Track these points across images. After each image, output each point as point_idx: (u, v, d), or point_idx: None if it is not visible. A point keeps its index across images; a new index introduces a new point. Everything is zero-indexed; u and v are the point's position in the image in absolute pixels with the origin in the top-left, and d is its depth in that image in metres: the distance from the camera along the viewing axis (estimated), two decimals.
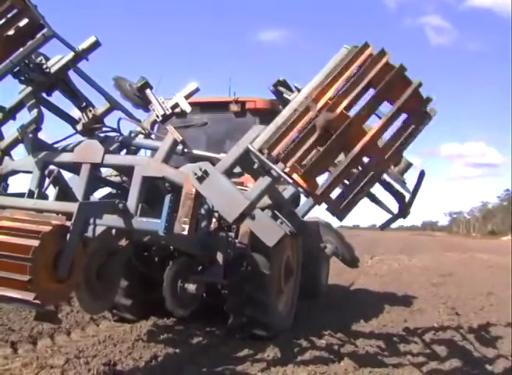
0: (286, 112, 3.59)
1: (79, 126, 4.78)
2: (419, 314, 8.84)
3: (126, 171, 4.48)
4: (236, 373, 5.13)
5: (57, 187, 4.21)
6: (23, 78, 4.42)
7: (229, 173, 3.95)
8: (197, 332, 6.38)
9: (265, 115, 7.08)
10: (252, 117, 6.90)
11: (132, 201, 3.96)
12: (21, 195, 4.22)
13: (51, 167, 4.33)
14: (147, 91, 5.04)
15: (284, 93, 5.36)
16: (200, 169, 3.74)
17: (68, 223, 3.62)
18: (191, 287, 5.25)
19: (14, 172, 4.55)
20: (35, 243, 3.41)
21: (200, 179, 3.75)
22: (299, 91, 4.42)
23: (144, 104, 5.12)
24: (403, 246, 33.31)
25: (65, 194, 4.21)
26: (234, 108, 6.84)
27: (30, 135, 4.53)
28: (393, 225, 4.45)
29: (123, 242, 4.58)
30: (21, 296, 3.47)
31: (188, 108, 4.96)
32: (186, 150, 4.47)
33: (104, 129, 4.77)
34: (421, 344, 6.46)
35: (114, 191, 5.14)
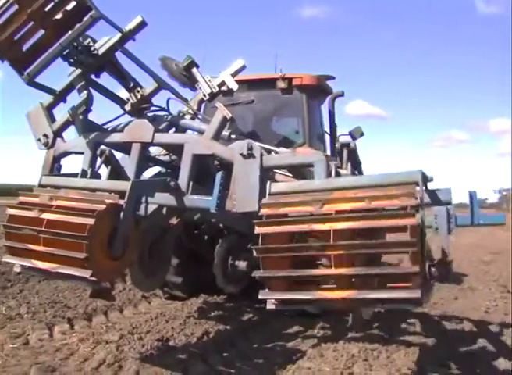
0: None
1: (127, 107, 4.80)
2: (470, 292, 8.69)
3: (176, 149, 4.50)
4: (287, 349, 5.15)
5: (109, 167, 4.28)
6: (72, 61, 4.46)
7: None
8: (247, 309, 6.43)
9: (312, 91, 7.02)
10: (299, 94, 6.82)
11: (183, 179, 3.98)
12: (74, 175, 4.30)
13: (103, 147, 4.39)
14: (194, 69, 5.01)
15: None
16: (249, 149, 3.77)
17: (121, 202, 3.67)
18: (242, 265, 5.30)
19: (66, 153, 4.62)
20: (90, 221, 3.47)
21: (244, 157, 3.80)
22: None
23: (191, 83, 5.10)
24: None
25: (116, 173, 4.27)
26: (281, 85, 6.75)
27: (81, 117, 4.59)
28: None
29: (174, 220, 4.63)
30: (78, 273, 3.55)
31: (235, 86, 4.91)
32: (233, 136, 4.43)
33: (153, 108, 4.77)
34: (473, 323, 6.34)
35: (163, 170, 5.19)
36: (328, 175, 3.61)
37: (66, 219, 3.59)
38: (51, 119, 4.75)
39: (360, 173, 4.56)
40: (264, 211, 3.30)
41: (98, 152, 4.35)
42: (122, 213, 3.64)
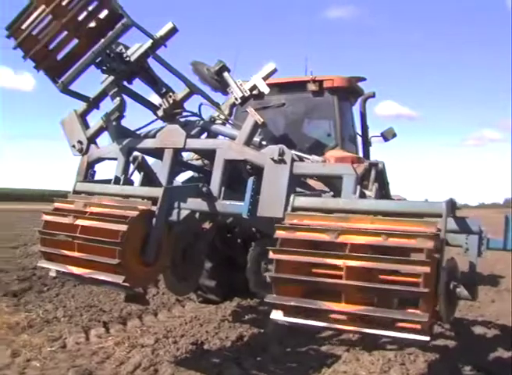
0: None
1: (160, 112, 4.83)
2: (507, 294, 8.49)
3: (208, 154, 4.52)
4: (321, 352, 5.12)
5: (141, 173, 4.31)
6: (105, 68, 4.51)
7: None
8: None
9: (343, 93, 6.98)
10: (330, 96, 6.80)
11: (215, 185, 3.99)
12: (108, 182, 4.35)
13: (135, 153, 4.43)
14: (225, 73, 5.00)
15: None
16: (280, 154, 3.75)
17: (154, 208, 3.69)
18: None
19: (100, 159, 4.68)
20: (123, 228, 3.50)
21: (275, 161, 3.79)
22: None
23: (222, 87, 5.10)
24: (486, 224, 32.03)
25: (149, 179, 4.30)
26: (312, 87, 6.74)
27: (114, 123, 4.64)
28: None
29: (207, 225, 4.64)
30: (111, 279, 3.58)
31: (266, 90, 4.89)
32: (264, 142, 4.42)
33: (185, 114, 4.80)
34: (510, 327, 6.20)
35: (196, 175, 5.21)
36: (355, 190, 3.58)
37: (100, 225, 3.63)
38: (85, 125, 4.82)
39: (387, 194, 4.50)
40: (280, 234, 3.29)
41: (131, 158, 4.39)
42: (154, 219, 3.67)
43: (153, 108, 4.91)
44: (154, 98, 5.00)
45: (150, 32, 4.50)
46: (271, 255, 3.19)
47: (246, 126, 4.11)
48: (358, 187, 3.55)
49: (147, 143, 4.46)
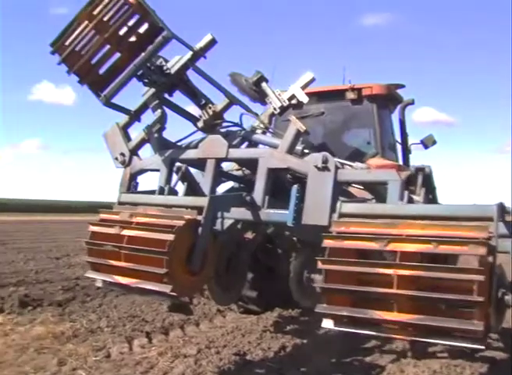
0: None
1: (200, 124, 4.87)
2: None
3: (250, 164, 4.53)
4: (366, 364, 5.05)
5: (185, 183, 4.34)
6: (146, 81, 4.58)
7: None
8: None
9: (382, 100, 6.92)
10: (369, 104, 6.76)
11: (258, 193, 3.99)
12: (152, 192, 4.39)
13: (178, 164, 4.47)
14: (263, 84, 5.01)
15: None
16: (323, 162, 3.74)
17: (199, 217, 3.71)
18: (318, 278, 5.21)
19: (142, 171, 4.73)
20: (170, 237, 3.51)
21: (318, 169, 3.79)
22: None
23: (261, 97, 5.11)
24: None
25: (192, 189, 4.33)
26: (350, 95, 6.71)
27: (156, 135, 4.69)
28: None
29: (249, 234, 4.65)
30: (158, 288, 3.60)
31: (305, 99, 4.88)
32: (306, 151, 4.41)
33: (225, 124, 4.82)
34: None
35: (236, 185, 5.22)
36: (402, 196, 3.53)
37: (146, 235, 3.65)
38: (127, 138, 4.89)
39: (435, 198, 4.44)
40: (328, 243, 3.27)
41: (174, 169, 4.43)
42: (200, 229, 3.68)
43: (193, 119, 4.96)
44: (194, 110, 5.07)
45: (189, 44, 4.57)
46: (319, 265, 3.18)
47: (288, 134, 4.11)
48: (406, 192, 3.50)
49: (190, 154, 4.50)
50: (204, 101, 4.91)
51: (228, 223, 3.92)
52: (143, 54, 4.33)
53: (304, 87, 4.96)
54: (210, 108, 4.85)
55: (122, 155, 4.75)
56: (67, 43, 4.32)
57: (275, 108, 4.90)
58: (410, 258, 2.95)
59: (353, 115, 6.97)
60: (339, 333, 5.91)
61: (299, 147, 4.29)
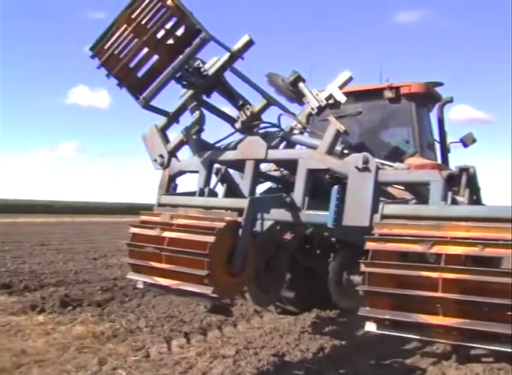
0: None
1: (238, 125, 4.87)
2: None
3: (289, 165, 4.52)
4: (406, 366, 4.97)
5: (224, 185, 4.35)
6: (184, 82, 4.61)
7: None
8: (361, 324, 6.28)
9: (421, 99, 6.83)
10: (408, 102, 6.68)
11: (298, 195, 3.97)
12: (191, 194, 4.41)
13: (218, 165, 4.49)
14: (300, 84, 4.97)
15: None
16: (364, 162, 3.70)
17: (239, 219, 3.71)
18: (357, 279, 5.19)
19: (181, 172, 4.76)
20: (211, 239, 3.53)
21: (359, 170, 3.75)
22: None
23: (298, 97, 5.09)
24: None
25: (232, 190, 4.34)
26: (388, 94, 6.63)
27: (194, 136, 4.73)
28: None
29: (288, 236, 4.63)
30: (200, 290, 3.62)
31: (343, 99, 4.84)
32: (346, 151, 4.37)
33: (263, 125, 4.82)
34: None
35: (274, 186, 5.22)
36: (444, 197, 3.47)
37: (187, 237, 3.68)
38: (166, 140, 4.92)
39: (479, 199, 4.35)
40: (371, 245, 3.24)
41: (214, 170, 4.44)
42: (241, 230, 3.68)
43: (231, 120, 4.96)
44: (231, 111, 5.08)
45: (227, 45, 4.58)
46: (362, 267, 3.15)
47: (327, 135, 4.08)
48: (450, 193, 3.44)
49: (229, 155, 4.51)
50: (241, 102, 4.90)
51: (267, 224, 3.91)
52: (181, 56, 4.38)
53: (341, 87, 4.92)
54: (248, 109, 4.84)
55: (161, 156, 4.78)
56: (106, 47, 4.39)
57: (312, 109, 4.86)
58: (455, 261, 2.91)
59: (391, 114, 6.90)
60: (378, 335, 5.85)
61: (338, 147, 4.25)
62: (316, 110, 4.85)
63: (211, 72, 4.61)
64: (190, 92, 4.75)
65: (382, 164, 4.05)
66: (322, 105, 4.85)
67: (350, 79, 4.95)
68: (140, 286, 4.24)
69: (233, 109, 5.00)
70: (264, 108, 4.89)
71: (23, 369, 4.55)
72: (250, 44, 4.64)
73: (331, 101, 4.91)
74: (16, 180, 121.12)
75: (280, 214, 3.97)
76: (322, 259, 5.79)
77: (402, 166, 4.30)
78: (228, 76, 4.85)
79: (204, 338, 5.76)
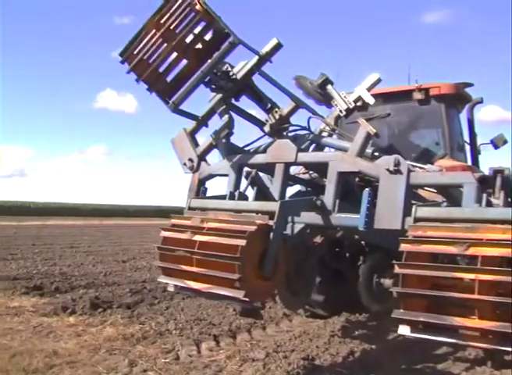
0: None
1: (266, 128, 4.87)
2: None
3: (319, 168, 4.50)
4: (438, 371, 4.92)
5: (255, 188, 4.35)
6: (213, 86, 4.62)
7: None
8: (392, 328, 6.22)
9: (451, 100, 6.74)
10: (437, 104, 6.59)
11: (329, 198, 3.95)
12: (221, 197, 4.42)
13: (248, 169, 4.49)
14: (329, 86, 4.94)
15: None
16: (395, 164, 3.66)
17: (270, 222, 3.69)
18: (387, 282, 5.14)
19: (211, 176, 4.77)
20: (242, 242, 3.52)
21: (390, 172, 3.71)
22: None
23: (326, 100, 5.06)
24: None
25: (262, 193, 4.33)
26: (418, 96, 6.56)
27: (224, 140, 4.73)
28: None
29: (318, 239, 4.61)
30: (231, 294, 3.61)
31: (371, 101, 4.79)
32: (376, 154, 4.33)
33: (292, 128, 4.81)
34: None
35: (302, 189, 5.20)
36: (477, 199, 3.42)
37: (218, 240, 3.68)
38: (195, 143, 4.93)
39: None
40: (405, 247, 3.21)
41: (245, 174, 4.44)
42: (272, 234, 3.67)
43: (259, 124, 4.97)
44: (259, 115, 5.08)
45: (255, 49, 4.58)
46: (396, 269, 3.12)
47: (358, 137, 4.05)
48: (484, 195, 3.39)
49: (258, 158, 4.50)
50: (270, 106, 4.91)
51: (298, 227, 3.90)
52: (209, 60, 4.39)
53: (370, 89, 4.88)
54: (276, 112, 4.84)
55: (191, 160, 4.80)
56: (136, 52, 4.42)
57: (341, 111, 4.83)
58: (491, 262, 2.86)
59: (420, 115, 6.83)
60: (409, 340, 5.79)
61: (369, 150, 4.22)
62: (344, 112, 4.83)
63: (239, 75, 4.63)
64: (219, 96, 4.76)
65: (413, 166, 4.01)
66: (351, 107, 4.82)
67: (379, 80, 4.90)
68: (171, 289, 4.25)
69: (261, 113, 5.01)
70: (292, 111, 4.89)
71: (55, 370, 4.63)
72: (278, 47, 4.64)
73: (359, 104, 4.88)
74: (47, 183, 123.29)
75: (311, 217, 3.95)
76: (352, 262, 5.76)
77: (434, 168, 4.25)
78: (256, 79, 4.85)
79: (234, 341, 5.77)
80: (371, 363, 5.06)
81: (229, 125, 4.69)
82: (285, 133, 4.79)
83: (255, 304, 3.91)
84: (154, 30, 4.35)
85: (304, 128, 4.76)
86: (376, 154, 4.24)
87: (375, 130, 3.97)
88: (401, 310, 3.14)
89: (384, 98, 6.63)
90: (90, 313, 6.87)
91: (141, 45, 4.40)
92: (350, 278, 5.80)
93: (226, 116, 4.69)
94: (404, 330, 3.15)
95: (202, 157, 4.83)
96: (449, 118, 6.67)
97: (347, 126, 6.33)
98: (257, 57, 4.60)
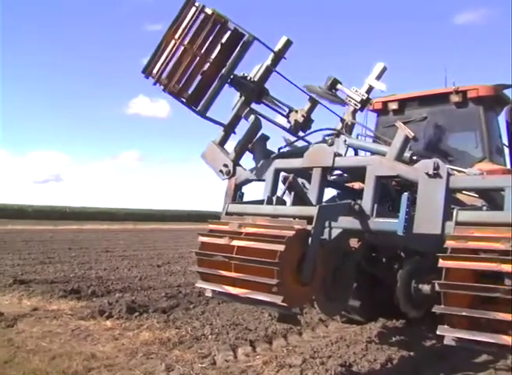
0: None
1: (292, 128, 5.01)
2: None
3: (356, 172, 4.46)
4: None
5: (292, 193, 4.33)
6: (238, 86, 4.75)
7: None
8: (430, 334, 6.11)
9: (489, 102, 6.62)
10: (475, 106, 6.47)
11: (367, 202, 3.90)
12: (259, 202, 4.41)
13: (285, 174, 4.48)
14: (338, 86, 5.22)
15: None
16: (435, 168, 3.60)
17: (308, 227, 3.67)
18: (425, 288, 5.06)
19: (247, 181, 4.77)
20: (280, 247, 3.49)
21: (429, 176, 3.65)
22: None
23: (339, 99, 5.32)
24: None
25: (300, 198, 4.31)
26: (455, 98, 6.46)
27: (259, 145, 4.75)
28: None
29: (355, 244, 4.56)
30: (269, 299, 3.58)
31: (383, 87, 5.04)
32: (414, 157, 4.27)
33: (329, 132, 4.79)
34: None
35: (335, 193, 5.17)
36: None
37: (256, 245, 3.66)
38: (226, 151, 4.97)
39: None
40: (450, 244, 3.18)
41: (282, 178, 4.43)
42: (310, 238, 3.64)
43: (284, 125, 5.08)
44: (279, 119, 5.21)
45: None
46: (440, 262, 3.08)
47: (396, 141, 3.99)
48: None
49: (295, 163, 4.49)
50: (288, 110, 5.05)
51: (336, 232, 3.87)
52: (229, 62, 4.56)
53: (378, 77, 5.14)
54: (297, 112, 4.97)
55: (226, 166, 4.81)
56: (158, 66, 4.53)
57: (355, 104, 5.08)
58: None
59: (458, 118, 6.70)
60: (448, 347, 5.69)
61: (407, 154, 4.16)
62: (359, 105, 5.05)
63: (258, 76, 4.78)
64: (242, 100, 4.83)
65: (452, 170, 3.94)
66: (364, 97, 5.07)
67: (385, 69, 5.17)
68: (209, 294, 4.26)
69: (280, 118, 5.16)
70: (312, 108, 5.01)
71: (94, 373, 4.70)
72: (289, 43, 4.82)
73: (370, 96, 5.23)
74: (81, 188, 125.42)
75: (349, 222, 3.91)
76: (388, 268, 5.68)
77: (474, 171, 4.17)
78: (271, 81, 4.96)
79: (270, 347, 5.75)
80: (409, 371, 4.99)
81: (257, 123, 4.76)
82: (322, 138, 4.78)
83: (293, 309, 3.89)
84: (173, 42, 4.49)
85: (340, 132, 4.72)
86: (414, 158, 4.18)
87: (413, 134, 3.92)
88: (443, 306, 3.07)
89: (420, 101, 6.57)
90: (127, 317, 6.93)
91: (162, 58, 4.52)
92: (386, 283, 5.72)
93: (252, 117, 4.76)
94: (444, 329, 3.10)
95: (236, 162, 4.85)
96: (488, 120, 6.54)
97: (384, 131, 6.28)
98: (271, 56, 4.76)
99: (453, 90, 6.49)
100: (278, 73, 4.84)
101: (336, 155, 4.21)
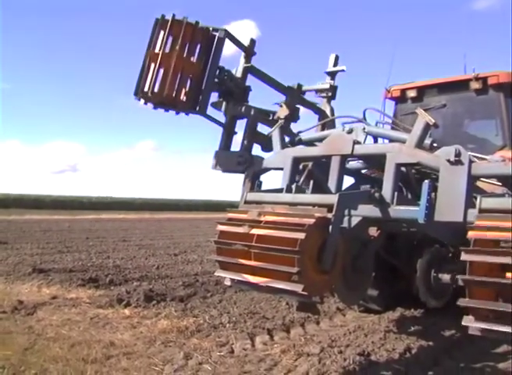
0: None
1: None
2: None
3: (376, 160, 4.41)
4: (498, 370, 4.77)
5: (311, 181, 4.30)
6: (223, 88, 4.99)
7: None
8: (449, 324, 6.07)
9: (510, 89, 6.50)
10: (495, 93, 6.34)
11: (387, 190, 3.84)
12: (278, 191, 4.38)
13: (304, 162, 4.45)
14: (304, 87, 5.57)
15: None
16: (456, 155, 3.54)
17: (329, 215, 3.64)
18: (445, 277, 5.01)
19: (266, 169, 4.75)
20: (301, 236, 3.47)
21: (451, 163, 3.59)
22: None
23: (310, 103, 5.64)
24: None
25: (319, 186, 4.28)
26: (475, 85, 6.34)
27: (277, 133, 4.72)
28: None
29: (375, 232, 4.51)
30: (289, 287, 3.56)
31: (343, 67, 5.49)
32: (435, 144, 4.21)
33: (349, 120, 4.74)
34: None
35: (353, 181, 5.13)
36: None
37: (276, 234, 3.63)
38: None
39: None
40: (472, 234, 3.12)
41: (301, 167, 4.40)
42: (330, 227, 3.61)
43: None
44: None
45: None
46: (463, 256, 3.03)
47: (416, 128, 3.93)
48: None
49: (314, 151, 4.46)
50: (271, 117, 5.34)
51: (356, 220, 3.83)
52: (210, 59, 4.82)
53: (335, 65, 5.59)
54: (282, 106, 5.35)
55: (241, 156, 4.85)
56: (148, 82, 4.61)
57: (326, 92, 5.49)
58: None
59: (477, 105, 6.60)
60: (467, 337, 5.64)
61: (427, 141, 4.10)
62: (330, 93, 5.54)
63: (239, 74, 5.05)
64: (231, 104, 5.05)
65: (473, 157, 3.88)
66: (332, 83, 5.55)
67: (337, 57, 5.61)
68: (228, 283, 4.25)
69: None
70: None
71: (113, 361, 4.73)
72: (253, 42, 5.16)
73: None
74: (98, 178, 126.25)
75: (368, 210, 3.86)
76: (407, 257, 5.63)
77: (496, 158, 4.10)
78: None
79: (288, 335, 5.77)
80: (428, 360, 4.95)
81: (255, 114, 5.06)
82: (340, 125, 4.74)
83: (313, 298, 3.86)
84: (155, 57, 4.62)
85: (360, 120, 4.67)
86: (435, 145, 4.12)
87: (433, 121, 3.85)
88: (467, 299, 3.04)
89: (439, 88, 6.48)
90: (145, 306, 6.99)
91: (148, 79, 4.62)
92: (404, 273, 5.68)
93: (247, 109, 5.03)
94: (469, 320, 3.06)
95: (249, 150, 4.99)
96: (508, 107, 6.42)
97: (401, 118, 6.21)
98: (243, 52, 5.10)
99: (472, 76, 6.38)
100: (255, 75, 5.16)
101: (356, 142, 4.17)
